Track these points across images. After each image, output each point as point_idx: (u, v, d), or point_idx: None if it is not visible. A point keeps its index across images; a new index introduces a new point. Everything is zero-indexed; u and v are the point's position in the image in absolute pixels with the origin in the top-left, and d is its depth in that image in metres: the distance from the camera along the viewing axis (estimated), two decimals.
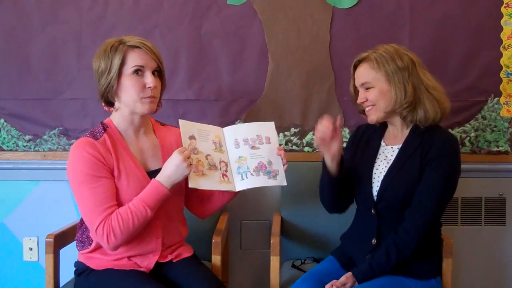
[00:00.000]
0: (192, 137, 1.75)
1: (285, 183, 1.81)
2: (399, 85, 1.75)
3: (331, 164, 1.82)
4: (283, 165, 1.82)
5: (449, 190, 1.78)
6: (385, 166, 1.82)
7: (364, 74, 1.81)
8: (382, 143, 1.88)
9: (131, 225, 1.63)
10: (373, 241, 1.80)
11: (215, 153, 1.78)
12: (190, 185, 1.68)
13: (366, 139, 1.93)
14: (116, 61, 1.67)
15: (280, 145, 2.24)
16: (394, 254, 1.72)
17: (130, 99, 1.70)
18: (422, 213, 1.74)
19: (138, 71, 1.70)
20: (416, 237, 1.73)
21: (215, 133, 1.82)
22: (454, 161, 1.78)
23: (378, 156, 1.86)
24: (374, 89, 1.78)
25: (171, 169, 1.65)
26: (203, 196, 1.89)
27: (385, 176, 1.80)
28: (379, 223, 1.80)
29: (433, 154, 1.75)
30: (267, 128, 1.87)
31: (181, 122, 1.75)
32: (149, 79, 1.70)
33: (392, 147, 1.85)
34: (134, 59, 1.69)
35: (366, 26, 2.37)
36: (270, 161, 1.81)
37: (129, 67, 1.69)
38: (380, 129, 1.91)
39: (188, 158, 1.65)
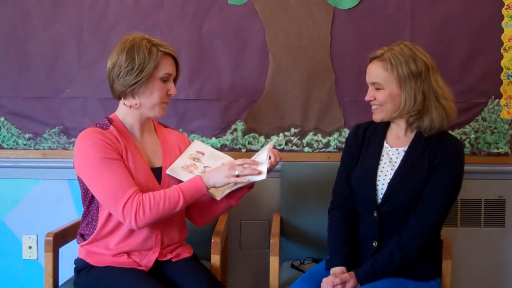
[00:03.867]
0: (200, 152, 1.86)
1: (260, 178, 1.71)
2: (410, 91, 1.73)
3: None
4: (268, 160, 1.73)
5: (454, 195, 1.78)
6: (391, 169, 1.81)
7: (376, 73, 1.78)
8: (386, 144, 1.87)
9: (161, 205, 1.64)
10: (374, 243, 1.79)
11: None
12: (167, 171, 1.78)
13: (367, 139, 1.91)
14: (151, 64, 1.71)
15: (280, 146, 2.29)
16: (398, 257, 1.72)
17: (151, 102, 1.75)
18: (429, 218, 1.74)
19: (165, 80, 1.76)
20: (422, 240, 1.73)
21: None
22: (461, 165, 1.79)
23: (382, 157, 1.85)
24: (384, 90, 1.77)
25: (214, 172, 1.72)
26: (203, 204, 1.89)
27: (391, 180, 1.78)
28: (381, 226, 1.79)
29: (440, 158, 1.75)
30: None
31: (196, 142, 1.91)
32: (172, 87, 1.79)
33: (397, 149, 1.84)
34: (166, 67, 1.75)
35: (367, 27, 2.37)
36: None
37: (160, 73, 1.74)
38: (381, 128, 1.90)
39: (237, 165, 1.70)
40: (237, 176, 1.69)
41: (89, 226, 1.78)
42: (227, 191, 1.77)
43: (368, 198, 1.82)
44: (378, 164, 1.83)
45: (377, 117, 1.82)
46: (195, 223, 1.93)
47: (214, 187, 1.72)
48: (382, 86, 1.77)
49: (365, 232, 1.84)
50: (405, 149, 1.81)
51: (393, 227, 1.78)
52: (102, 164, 1.65)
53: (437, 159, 1.75)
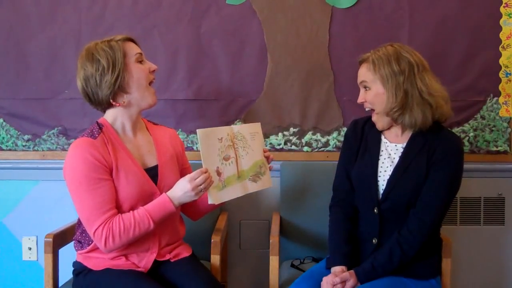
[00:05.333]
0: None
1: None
2: (392, 89, 1.76)
3: None
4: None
5: (454, 191, 1.79)
6: (390, 165, 1.82)
7: (362, 74, 1.83)
8: (385, 140, 1.87)
9: (131, 233, 1.65)
10: (374, 241, 1.80)
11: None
12: (209, 202, 1.70)
13: (366, 134, 1.92)
14: (118, 54, 1.70)
15: (279, 145, 2.29)
16: (397, 254, 1.72)
17: (140, 87, 1.74)
18: (428, 214, 1.74)
19: (140, 60, 1.76)
20: (421, 237, 1.73)
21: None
22: (459, 162, 1.79)
23: (381, 153, 1.85)
24: (371, 90, 1.80)
25: (179, 193, 1.69)
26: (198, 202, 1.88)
27: (391, 176, 1.79)
28: (381, 223, 1.80)
29: (439, 154, 1.76)
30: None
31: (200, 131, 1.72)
32: (151, 64, 1.79)
33: (396, 145, 1.84)
34: (133, 49, 1.76)
35: (365, 26, 2.37)
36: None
37: (131, 56, 1.74)
38: None
39: (199, 186, 1.66)
40: (200, 191, 1.67)
41: (84, 234, 1.78)
42: (232, 197, 1.77)
43: (369, 194, 1.82)
44: (378, 159, 1.84)
45: (378, 126, 1.84)
46: (190, 217, 1.96)
47: (180, 204, 1.71)
48: (369, 86, 1.81)
49: (365, 229, 1.84)
50: (404, 146, 1.82)
51: (393, 224, 1.78)
52: (86, 182, 1.65)
53: (435, 156, 1.76)
